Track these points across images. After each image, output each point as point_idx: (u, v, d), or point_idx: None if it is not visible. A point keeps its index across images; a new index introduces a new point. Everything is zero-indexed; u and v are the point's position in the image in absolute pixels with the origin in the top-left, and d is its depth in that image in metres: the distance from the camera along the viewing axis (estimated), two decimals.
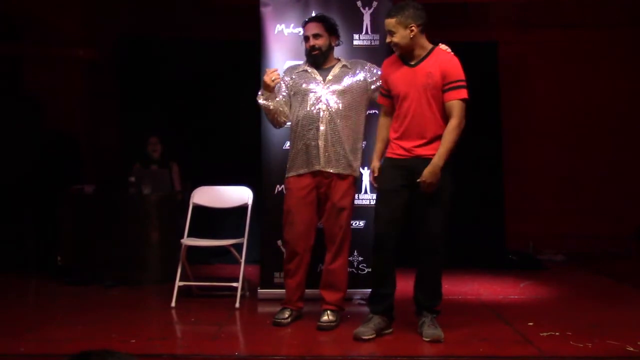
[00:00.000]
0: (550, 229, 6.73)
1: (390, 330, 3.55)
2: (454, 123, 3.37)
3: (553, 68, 6.98)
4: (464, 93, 3.39)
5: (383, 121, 3.68)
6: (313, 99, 3.72)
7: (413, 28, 3.43)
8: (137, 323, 3.85)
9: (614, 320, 3.85)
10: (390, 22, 3.45)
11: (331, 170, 3.68)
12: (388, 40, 3.49)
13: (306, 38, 3.81)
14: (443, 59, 3.45)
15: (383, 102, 3.69)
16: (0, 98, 6.26)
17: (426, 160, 3.40)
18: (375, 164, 3.62)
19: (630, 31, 6.92)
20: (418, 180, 3.36)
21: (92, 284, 5.01)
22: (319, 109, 3.70)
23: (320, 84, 3.75)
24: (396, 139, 3.53)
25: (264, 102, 3.75)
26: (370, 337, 3.41)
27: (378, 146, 3.66)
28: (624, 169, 6.87)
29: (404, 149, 3.47)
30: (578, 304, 4.45)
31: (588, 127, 6.93)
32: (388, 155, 3.57)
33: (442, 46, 3.54)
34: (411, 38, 3.43)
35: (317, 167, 3.69)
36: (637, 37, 6.92)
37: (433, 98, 3.41)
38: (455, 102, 3.37)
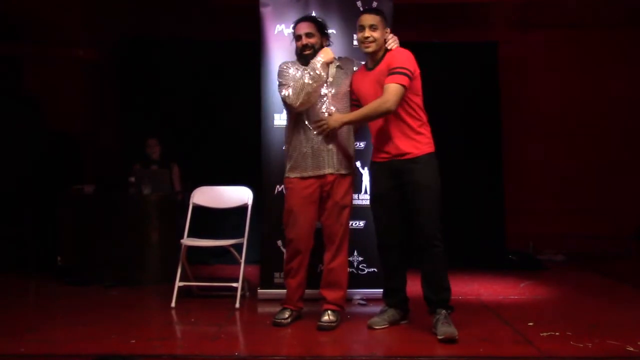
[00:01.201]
0: (550, 229, 6.74)
1: (406, 321, 3.72)
2: (380, 99, 3.43)
3: (553, 68, 6.99)
4: (400, 79, 3.41)
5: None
6: (319, 102, 3.71)
7: (387, 31, 3.61)
8: (137, 323, 3.85)
9: (614, 320, 3.85)
10: (375, 17, 3.55)
11: (343, 172, 3.72)
12: (367, 34, 3.52)
13: (298, 37, 3.78)
14: (391, 55, 3.56)
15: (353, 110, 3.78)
16: (0, 98, 6.26)
17: (406, 159, 3.49)
18: (340, 115, 3.66)
19: (630, 31, 6.93)
20: (318, 120, 3.56)
21: (92, 284, 5.01)
22: (326, 112, 3.70)
23: (323, 86, 3.72)
24: (374, 142, 3.69)
25: (315, 83, 3.63)
26: (383, 327, 3.60)
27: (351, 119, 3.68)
28: (624, 169, 6.88)
29: (383, 151, 3.59)
30: (578, 304, 4.45)
31: (588, 127, 6.93)
32: (373, 159, 3.73)
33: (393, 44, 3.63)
34: (384, 40, 3.58)
35: (328, 171, 3.68)
36: (637, 37, 6.92)
37: None
38: (391, 85, 3.42)
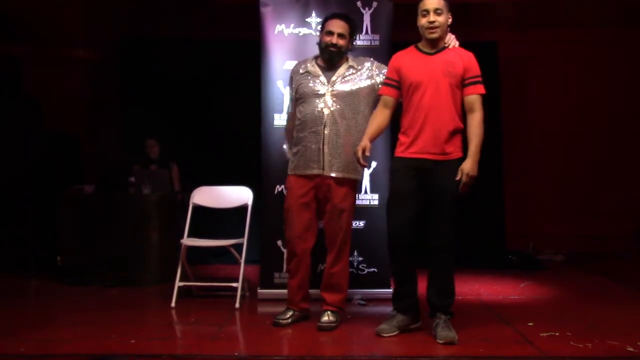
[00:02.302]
0: (550, 229, 6.74)
1: (419, 323, 3.55)
2: (479, 116, 3.37)
3: (553, 68, 7.00)
4: (483, 89, 3.41)
5: (381, 110, 3.53)
6: (316, 100, 3.67)
7: (450, 17, 3.44)
8: (137, 323, 3.85)
9: (614, 320, 3.85)
10: (440, 1, 3.37)
11: (333, 175, 3.64)
12: (432, 19, 3.34)
13: (329, 32, 3.70)
14: (465, 54, 3.45)
15: (389, 92, 3.51)
16: (0, 98, 6.27)
17: (438, 160, 3.35)
18: (366, 143, 3.42)
19: (630, 31, 6.93)
20: (457, 178, 3.30)
21: (92, 284, 5.01)
22: (322, 111, 3.66)
23: (324, 85, 3.70)
24: (408, 133, 3.41)
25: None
26: (392, 334, 3.43)
27: (371, 128, 3.50)
28: (624, 168, 6.88)
29: (417, 146, 3.38)
30: (578, 304, 4.45)
31: (588, 127, 6.94)
32: (400, 154, 3.45)
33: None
34: (447, 26, 3.43)
35: (315, 171, 3.65)
36: (637, 37, 6.92)
37: (451, 89, 3.36)
38: (477, 97, 3.38)
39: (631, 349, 3.17)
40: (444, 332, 3.30)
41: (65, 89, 6.71)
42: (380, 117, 3.53)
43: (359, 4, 4.49)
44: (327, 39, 3.70)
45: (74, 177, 6.02)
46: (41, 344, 3.35)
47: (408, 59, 3.47)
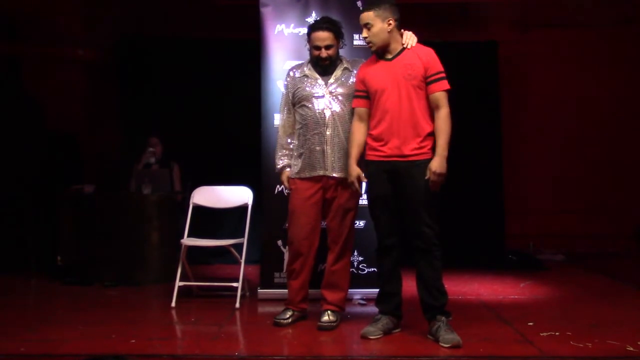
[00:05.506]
0: (550, 229, 6.74)
1: (399, 329, 3.57)
2: (445, 112, 3.37)
3: (553, 68, 6.99)
4: (447, 84, 3.43)
5: (357, 125, 3.58)
6: (317, 103, 3.70)
7: (391, 22, 3.45)
8: (137, 323, 3.85)
9: (614, 320, 3.85)
10: (369, 15, 3.43)
11: (335, 175, 3.68)
12: (364, 35, 3.44)
13: (316, 47, 3.71)
14: (422, 52, 3.48)
15: (360, 104, 3.57)
16: (0, 98, 6.26)
17: (409, 161, 3.37)
18: (357, 170, 3.51)
19: (629, 30, 6.93)
20: (426, 177, 3.31)
21: (92, 283, 5.02)
22: (324, 113, 3.68)
23: (322, 87, 3.72)
24: (376, 137, 3.47)
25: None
26: (378, 337, 3.44)
27: (354, 152, 3.55)
28: (624, 168, 6.88)
29: (387, 148, 3.43)
30: (578, 304, 4.45)
31: (588, 127, 6.93)
32: (370, 157, 3.52)
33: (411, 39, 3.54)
34: (389, 32, 3.45)
35: (321, 172, 3.68)
36: (637, 36, 6.92)
37: (414, 90, 3.39)
38: (441, 94, 3.39)
39: (631, 349, 3.17)
40: (449, 335, 3.28)
41: (65, 89, 6.71)
42: (358, 134, 3.58)
43: (359, 3, 4.49)
44: (316, 53, 3.73)
45: (74, 177, 6.02)
46: (41, 344, 3.35)
47: (370, 68, 3.56)
